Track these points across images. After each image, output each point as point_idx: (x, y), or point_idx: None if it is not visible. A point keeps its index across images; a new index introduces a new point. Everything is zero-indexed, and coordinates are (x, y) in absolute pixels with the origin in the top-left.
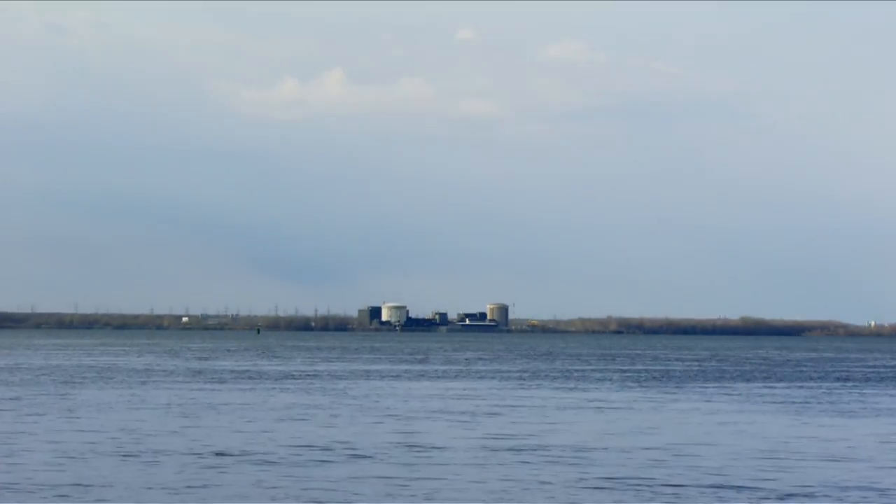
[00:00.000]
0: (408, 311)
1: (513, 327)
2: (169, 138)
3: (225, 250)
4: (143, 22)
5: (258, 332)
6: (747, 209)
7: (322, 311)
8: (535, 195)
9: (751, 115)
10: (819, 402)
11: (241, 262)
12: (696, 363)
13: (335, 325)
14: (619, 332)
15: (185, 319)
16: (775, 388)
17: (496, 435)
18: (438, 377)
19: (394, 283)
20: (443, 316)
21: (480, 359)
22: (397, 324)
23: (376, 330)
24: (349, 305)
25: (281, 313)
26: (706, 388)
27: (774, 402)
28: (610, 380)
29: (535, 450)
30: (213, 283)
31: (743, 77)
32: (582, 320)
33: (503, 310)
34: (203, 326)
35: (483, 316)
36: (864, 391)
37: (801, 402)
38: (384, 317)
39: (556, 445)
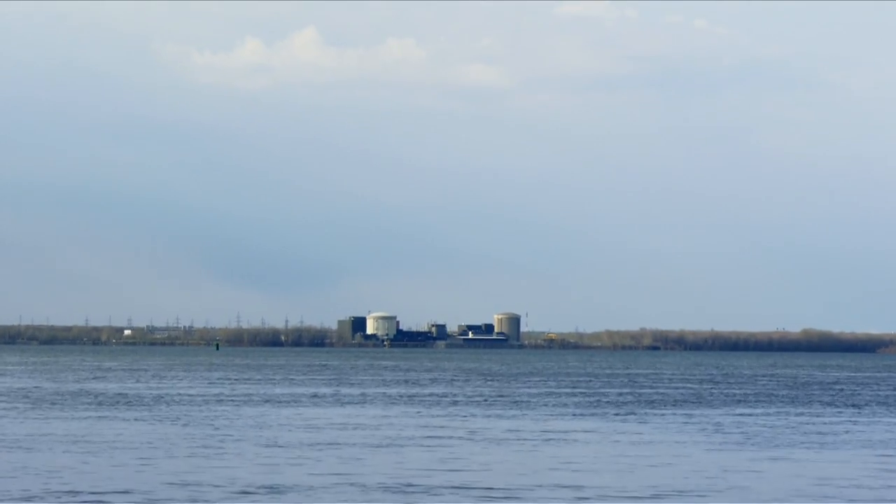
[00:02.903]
0: (398, 323)
1: (526, 341)
2: (106, 112)
3: (176, 249)
4: None
5: (216, 348)
6: (809, 198)
7: (294, 323)
8: (551, 182)
9: (813, 83)
10: (787, 433)
11: (196, 263)
12: (707, 385)
13: (310, 339)
14: (654, 348)
15: (127, 333)
16: (751, 414)
17: (330, 472)
18: (355, 402)
19: (381, 289)
20: (440, 328)
21: (437, 380)
22: (385, 337)
23: (360, 345)
24: (327, 316)
25: (244, 325)
26: (676, 414)
27: (724, 432)
28: (571, 405)
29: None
30: (161, 289)
31: (803, 39)
32: (610, 333)
33: (514, 321)
34: (149, 341)
35: (490, 328)
36: (867, 419)
37: (754, 433)
38: (370, 329)
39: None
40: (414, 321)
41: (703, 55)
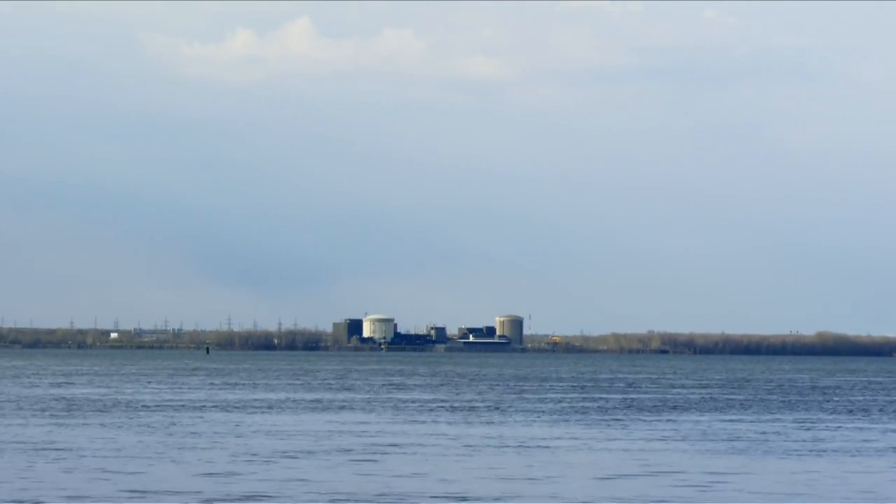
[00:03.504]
0: (396, 326)
1: (529, 345)
2: (90, 107)
3: (165, 249)
4: None
5: (206, 352)
6: (824, 196)
7: (288, 325)
8: (554, 179)
9: (829, 76)
10: (757, 441)
11: (186, 263)
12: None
13: (304, 343)
14: (662, 352)
15: (113, 336)
16: (740, 420)
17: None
18: (325, 409)
19: (378, 290)
20: (440, 331)
21: (421, 385)
22: (382, 341)
23: (356, 348)
24: (322, 318)
25: (236, 328)
26: (652, 420)
27: (691, 439)
28: (546, 412)
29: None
30: (149, 290)
31: (818, 29)
32: (616, 336)
33: (516, 323)
34: (136, 344)
35: (491, 331)
36: (854, 426)
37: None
38: (366, 332)
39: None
40: (412, 324)
41: (712, 46)
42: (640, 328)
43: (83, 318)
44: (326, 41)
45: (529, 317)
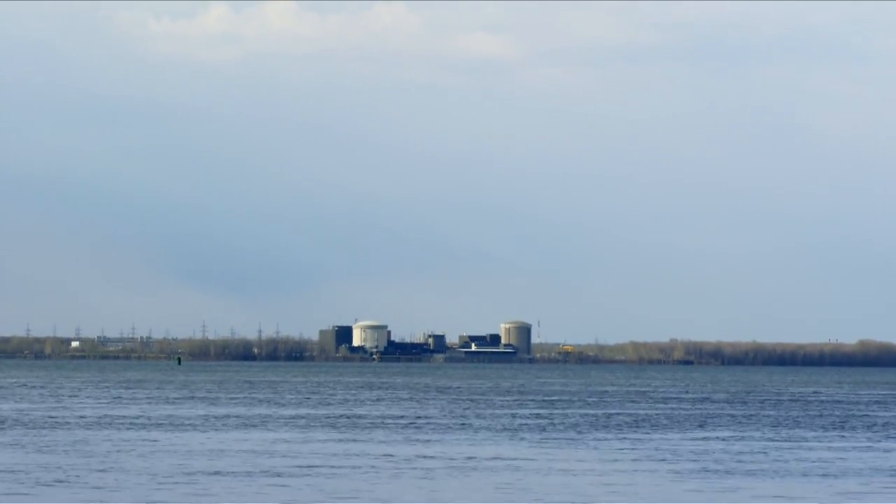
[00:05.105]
0: (389, 333)
1: (537, 354)
2: (49, 89)
3: (131, 248)
4: None
5: (178, 362)
6: (865, 189)
7: (269, 333)
8: (565, 171)
9: (868, 55)
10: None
11: (155, 264)
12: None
13: (287, 352)
14: (686, 362)
15: (75, 345)
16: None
17: None
18: (257, 426)
19: (370, 294)
20: (438, 339)
21: (385, 399)
22: (374, 350)
23: (344, 358)
24: (308, 325)
25: (211, 336)
26: (609, 439)
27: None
28: (497, 429)
29: None
30: (114, 294)
31: (857, 3)
32: (635, 345)
33: (524, 331)
34: (100, 354)
35: (496, 339)
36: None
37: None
38: (356, 340)
39: None
40: (408, 331)
41: (740, 23)
42: (661, 336)
43: (41, 324)
44: (310, 16)
45: (538, 323)
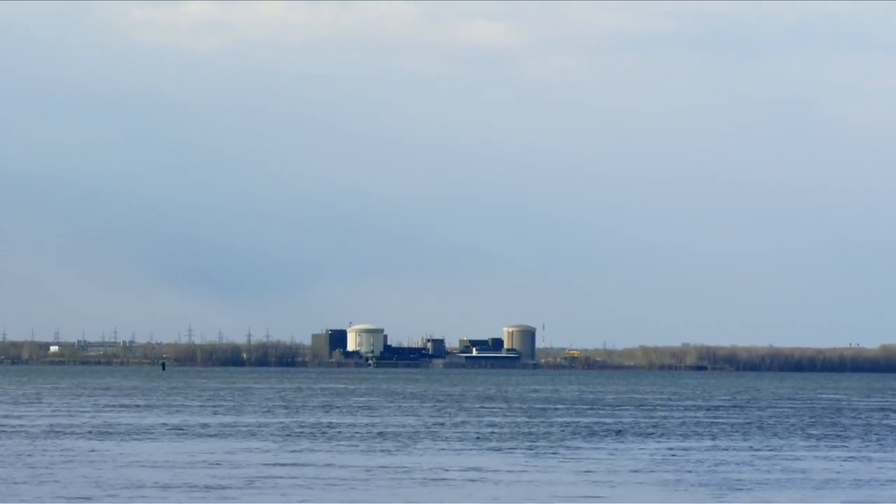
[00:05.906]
0: (386, 338)
1: (542, 360)
2: (25, 79)
3: (114, 248)
4: None
5: (162, 368)
6: (888, 185)
7: (259, 337)
8: (571, 167)
9: (894, 44)
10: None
11: (139, 265)
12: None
13: (278, 357)
14: (699, 368)
15: (53, 349)
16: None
17: None
18: (212, 435)
19: (365, 297)
20: (438, 344)
21: (361, 408)
22: (370, 355)
23: (338, 364)
24: (300, 329)
25: (197, 340)
26: (586, 448)
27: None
28: (468, 438)
29: None
30: (96, 296)
31: None
32: (645, 350)
33: (527, 335)
34: (80, 359)
35: (498, 344)
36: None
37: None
38: (351, 345)
39: None
40: (405, 335)
41: (758, 9)
42: (673, 341)
43: (18, 328)
44: (301, 4)
45: (543, 327)
